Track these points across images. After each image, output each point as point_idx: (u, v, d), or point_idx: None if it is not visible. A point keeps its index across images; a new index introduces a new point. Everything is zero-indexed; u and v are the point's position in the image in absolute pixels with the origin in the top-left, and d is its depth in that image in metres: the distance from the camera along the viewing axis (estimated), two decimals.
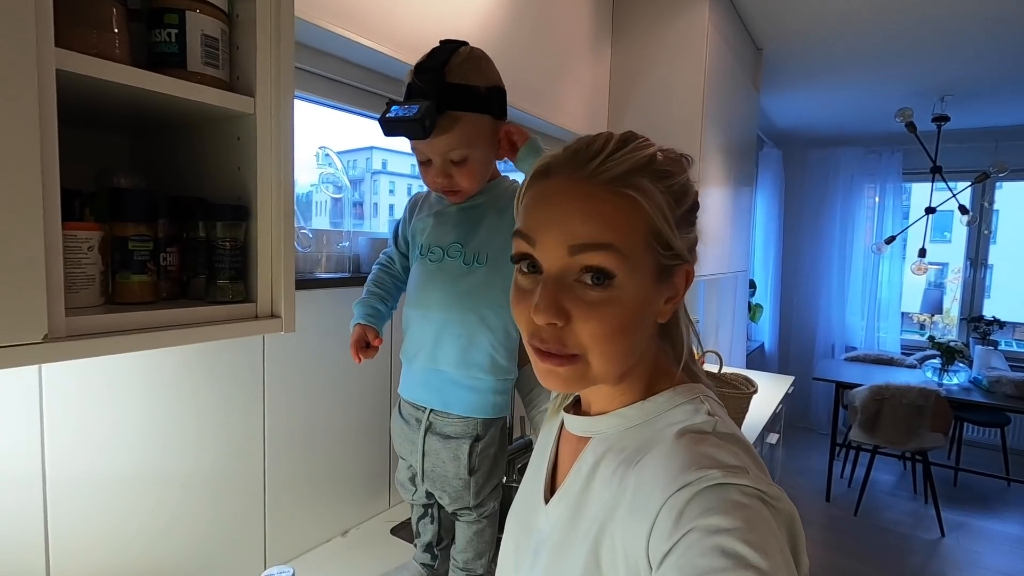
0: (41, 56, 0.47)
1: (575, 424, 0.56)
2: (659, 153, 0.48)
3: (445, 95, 0.82)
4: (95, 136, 0.76)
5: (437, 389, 0.94)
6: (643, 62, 2.07)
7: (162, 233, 0.65)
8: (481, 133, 0.88)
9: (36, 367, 0.73)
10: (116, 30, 0.55)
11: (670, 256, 0.48)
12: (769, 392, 2.33)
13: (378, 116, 0.81)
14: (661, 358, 0.54)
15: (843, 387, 3.44)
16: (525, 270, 0.50)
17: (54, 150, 0.49)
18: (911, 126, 3.25)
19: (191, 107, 0.63)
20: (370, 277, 1.04)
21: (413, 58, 0.96)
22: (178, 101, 0.60)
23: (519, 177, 0.99)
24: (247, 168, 0.67)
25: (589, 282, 0.46)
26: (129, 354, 0.82)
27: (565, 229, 0.46)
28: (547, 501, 0.56)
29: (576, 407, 0.59)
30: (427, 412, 0.95)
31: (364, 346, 0.98)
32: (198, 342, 0.61)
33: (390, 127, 0.81)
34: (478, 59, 0.88)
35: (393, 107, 0.81)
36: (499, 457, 1.00)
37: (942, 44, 2.59)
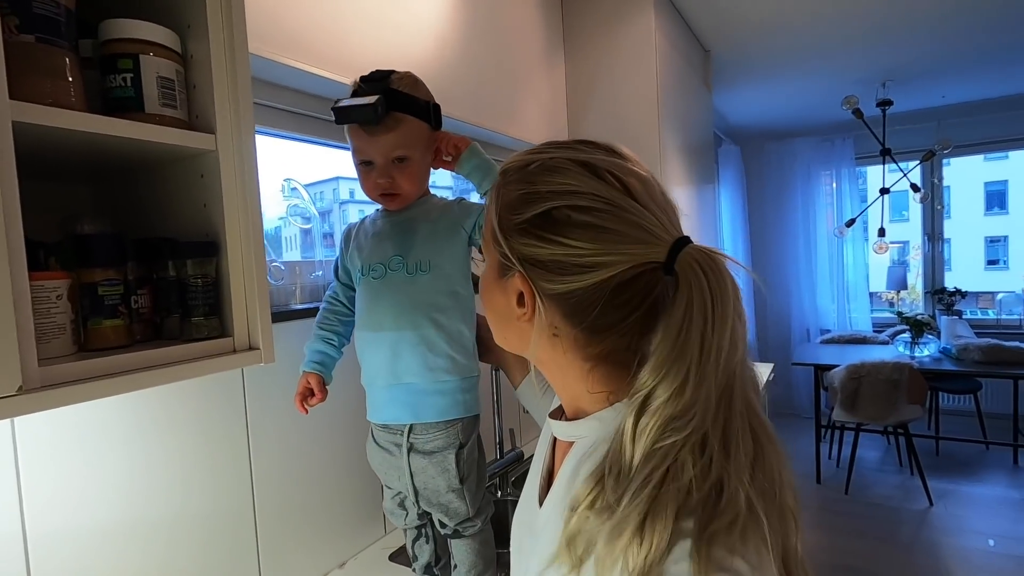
0: None
1: (557, 429, 0.57)
2: (536, 162, 0.50)
3: (391, 96, 0.88)
4: (57, 186, 0.76)
5: (406, 404, 0.95)
6: (596, 70, 2.13)
7: (132, 275, 0.65)
8: (420, 138, 0.94)
9: (8, 421, 0.72)
10: (70, 78, 0.56)
11: (503, 255, 0.50)
12: None
13: (335, 119, 0.88)
14: (604, 369, 0.52)
15: (821, 369, 3.53)
16: None
17: (15, 202, 0.49)
18: (858, 112, 3.39)
19: (152, 149, 0.63)
20: (316, 322, 1.05)
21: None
22: (138, 144, 0.61)
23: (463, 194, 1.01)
24: (213, 204, 0.67)
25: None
26: (106, 401, 0.81)
27: None
28: (541, 503, 0.58)
29: (563, 413, 0.60)
30: (406, 433, 0.95)
31: (309, 395, 1.00)
32: (177, 380, 0.60)
33: (343, 114, 0.87)
34: (415, 79, 0.96)
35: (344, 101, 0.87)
36: (481, 460, 1.01)
37: (878, 32, 2.71)
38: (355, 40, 1.22)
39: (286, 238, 1.47)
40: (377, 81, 0.90)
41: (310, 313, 1.17)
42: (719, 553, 0.38)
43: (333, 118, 0.87)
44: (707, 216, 2.95)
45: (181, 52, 0.67)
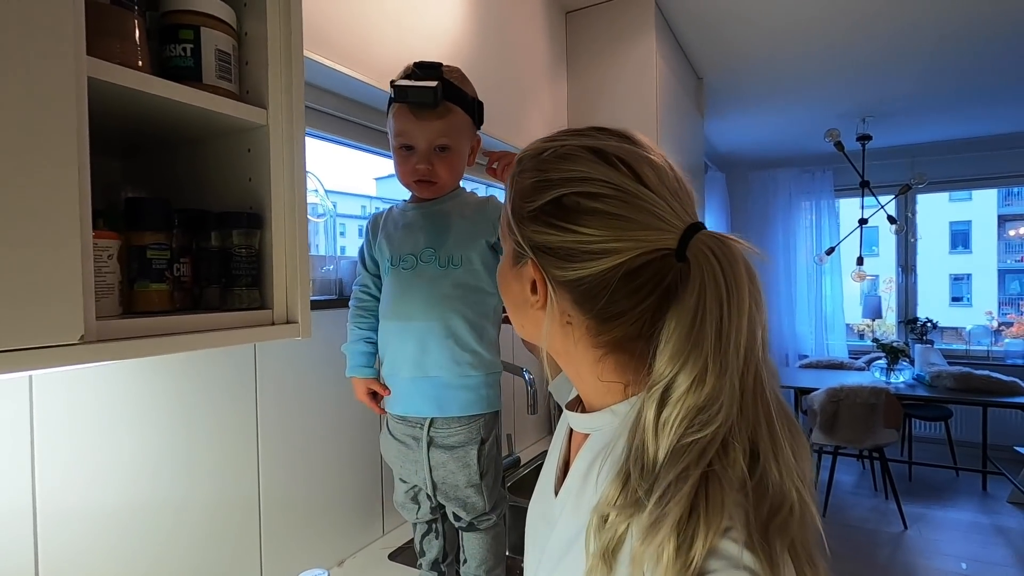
0: (77, 63, 0.48)
1: (574, 420, 0.57)
2: (549, 149, 0.50)
3: (445, 85, 0.91)
4: (103, 159, 0.76)
5: (431, 397, 0.95)
6: (598, 87, 2.19)
7: (175, 244, 0.65)
8: (464, 130, 0.97)
9: (27, 393, 0.70)
10: (138, 42, 0.57)
11: (518, 243, 0.51)
12: None
13: (393, 95, 0.90)
14: (620, 363, 0.51)
15: (801, 393, 3.60)
16: None
17: (86, 157, 0.49)
18: (839, 145, 3.53)
19: (204, 118, 0.64)
20: (350, 319, 1.04)
21: (386, 84, 1.01)
22: (195, 111, 0.62)
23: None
24: (260, 178, 0.68)
25: None
26: (120, 380, 0.80)
27: None
28: (557, 493, 0.58)
29: (580, 404, 0.60)
30: (426, 426, 0.95)
31: (374, 396, 1.02)
32: (217, 346, 0.61)
33: (402, 92, 0.89)
34: (463, 75, 0.98)
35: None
36: (499, 455, 1.02)
37: (861, 69, 2.85)
38: (376, 40, 1.25)
39: None
40: (433, 68, 0.92)
41: (321, 305, 1.17)
42: (776, 548, 0.37)
43: (391, 94, 0.90)
44: None
45: (236, 29, 0.68)
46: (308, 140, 1.37)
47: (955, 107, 3.48)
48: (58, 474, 0.74)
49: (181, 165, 0.76)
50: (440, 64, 0.93)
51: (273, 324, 0.68)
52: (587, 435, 0.56)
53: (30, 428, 0.71)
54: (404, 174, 0.97)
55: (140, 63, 0.57)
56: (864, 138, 3.73)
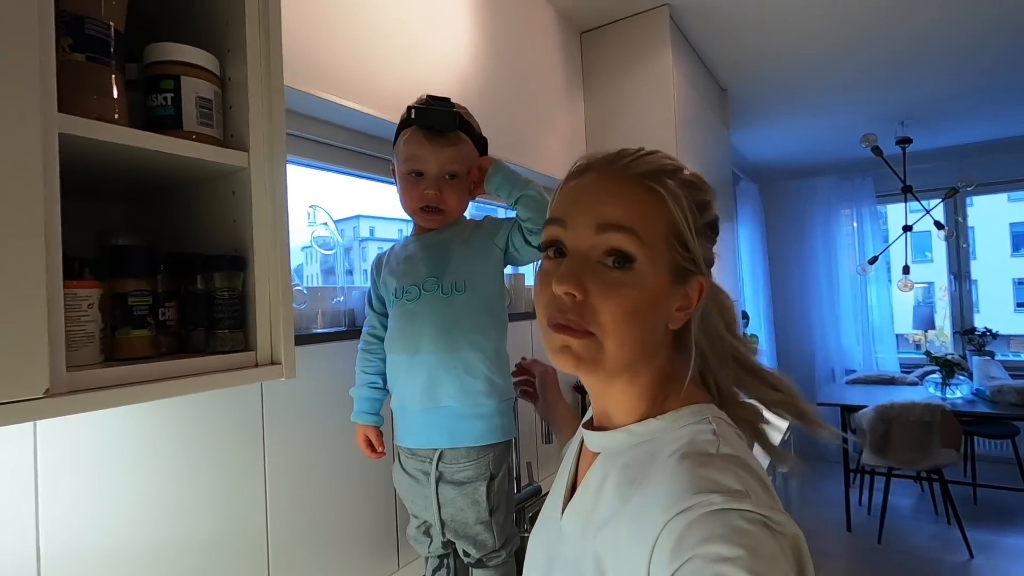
0: (45, 120, 0.49)
1: (590, 439, 0.57)
2: (686, 169, 0.55)
3: (458, 116, 0.95)
4: (96, 205, 0.78)
5: (443, 428, 0.93)
6: (615, 107, 2.17)
7: (161, 288, 0.66)
8: (471, 162, 0.98)
9: (31, 434, 0.72)
10: (115, 95, 0.58)
11: (687, 259, 0.51)
12: (774, 421, 2.30)
13: (412, 117, 0.95)
14: (673, 370, 0.55)
15: (848, 410, 3.41)
16: (551, 255, 0.54)
17: (56, 209, 0.50)
18: (877, 150, 3.38)
19: (187, 165, 0.65)
20: (358, 363, 1.05)
21: (396, 117, 1.03)
22: (175, 159, 0.63)
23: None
24: (243, 220, 0.68)
25: (611, 264, 0.49)
26: (125, 418, 0.81)
27: (595, 211, 0.50)
28: (564, 512, 0.57)
29: (592, 425, 0.60)
30: (435, 461, 0.93)
31: (371, 446, 1.03)
32: (198, 391, 0.60)
33: (422, 115, 0.93)
34: (469, 112, 1.02)
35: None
36: (511, 489, 0.99)
37: (896, 70, 2.72)
38: (384, 74, 1.27)
39: (308, 276, 1.49)
40: (445, 100, 0.97)
41: (331, 337, 1.17)
42: None
43: (409, 115, 0.94)
44: (726, 254, 2.93)
45: (220, 75, 0.69)
46: (319, 173, 1.41)
47: (1003, 103, 3.28)
48: (61, 514, 0.75)
49: (177, 209, 0.78)
50: (449, 98, 0.98)
51: (257, 366, 0.67)
52: (596, 454, 0.56)
53: (34, 468, 0.72)
54: (411, 200, 0.98)
55: (117, 115, 0.58)
56: (904, 141, 3.56)
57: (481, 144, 1.01)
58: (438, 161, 0.94)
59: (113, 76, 0.58)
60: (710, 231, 0.55)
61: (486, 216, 1.05)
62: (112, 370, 0.55)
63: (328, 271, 1.39)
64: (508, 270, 1.36)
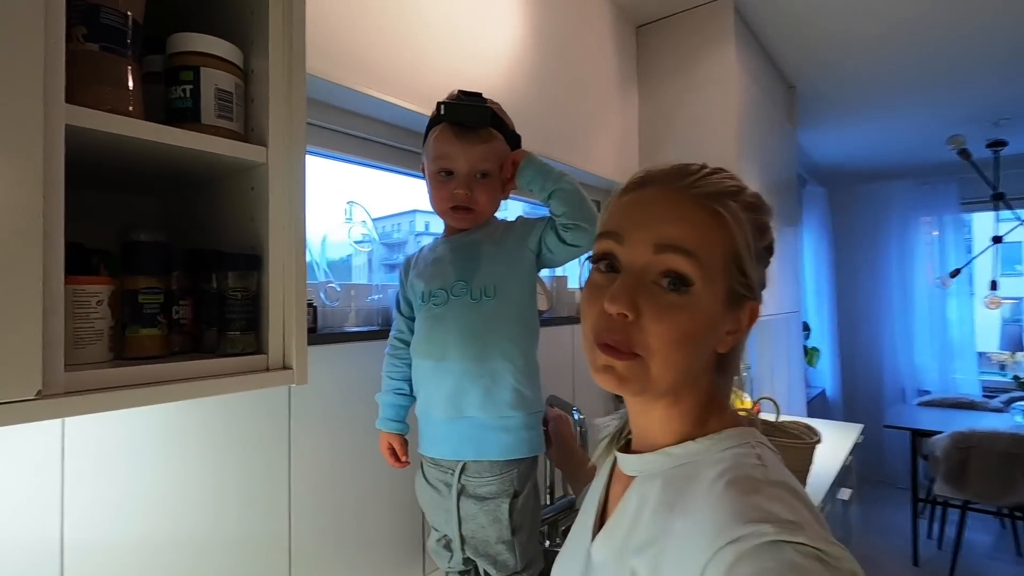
0: (49, 111, 0.47)
1: (626, 462, 0.55)
2: (748, 190, 0.52)
3: (491, 112, 0.91)
4: (125, 198, 0.78)
5: (468, 438, 0.89)
6: (672, 105, 2.06)
7: (176, 285, 0.64)
8: (502, 160, 0.93)
9: (60, 426, 0.72)
10: (131, 87, 0.56)
11: (743, 284, 0.49)
12: (836, 442, 2.14)
13: (443, 113, 0.90)
14: (716, 392, 0.54)
15: (919, 435, 3.14)
16: (603, 269, 0.51)
17: (59, 203, 0.48)
18: (965, 153, 3.09)
19: (205, 159, 0.63)
20: (384, 367, 1.02)
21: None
22: (191, 153, 0.60)
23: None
24: (260, 217, 0.66)
25: (666, 286, 0.47)
26: (150, 411, 0.81)
27: (654, 229, 0.48)
28: (594, 538, 0.56)
29: (628, 447, 0.58)
30: (457, 473, 0.89)
31: (394, 455, 1.00)
32: (205, 396, 0.58)
33: (453, 110, 0.89)
34: (502, 108, 0.97)
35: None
36: (537, 508, 0.94)
37: (990, 64, 2.46)
38: (429, 69, 1.23)
39: (355, 266, 1.48)
40: (477, 95, 0.92)
41: (363, 336, 1.15)
42: None
43: (439, 112, 0.90)
44: (789, 260, 2.75)
45: (243, 68, 0.67)
46: (360, 169, 1.39)
47: None
48: (87, 506, 0.75)
49: (202, 205, 0.77)
50: (481, 93, 0.93)
51: (268, 370, 0.65)
52: (631, 478, 0.54)
53: (61, 460, 0.73)
54: (440, 200, 0.94)
55: (132, 108, 0.56)
56: (997, 144, 3.24)
57: (514, 141, 0.97)
58: (468, 159, 0.89)
59: (129, 67, 0.57)
60: (766, 254, 0.53)
61: (519, 217, 0.99)
62: (114, 371, 0.53)
63: (375, 266, 1.38)
64: (545, 272, 1.31)
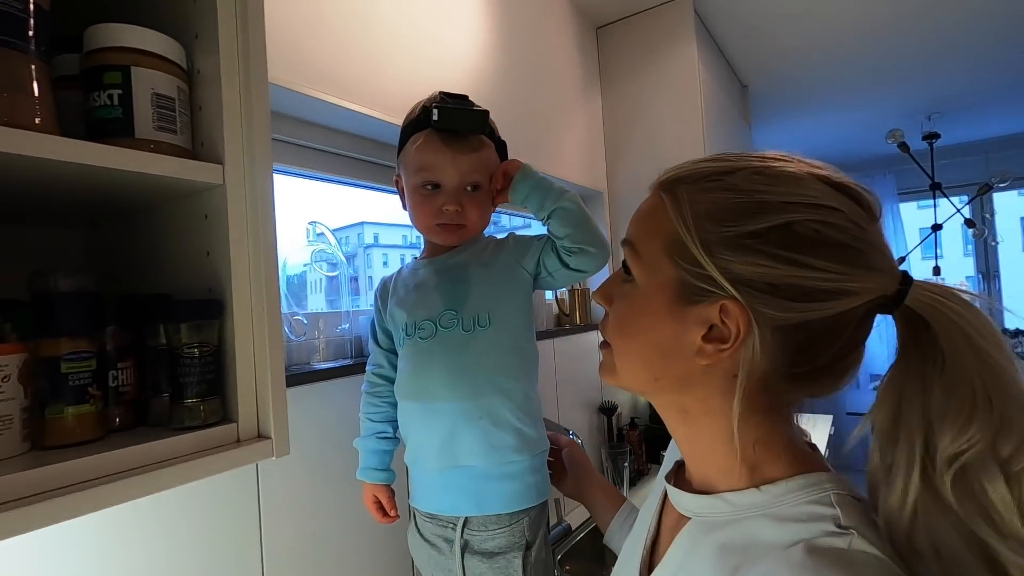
0: None
1: (676, 499, 0.50)
2: (747, 168, 0.43)
3: (487, 116, 0.81)
4: (39, 234, 0.63)
5: (467, 491, 0.78)
6: (636, 105, 2.01)
7: (111, 345, 0.50)
8: (493, 170, 0.83)
9: None
10: (36, 92, 0.43)
11: (699, 275, 0.42)
12: (815, 437, 2.14)
13: (435, 119, 0.78)
14: (762, 427, 0.45)
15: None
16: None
17: None
18: (904, 146, 3.22)
19: (144, 182, 0.50)
20: (362, 408, 0.89)
21: (401, 119, 0.87)
22: (125, 176, 0.47)
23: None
24: (218, 252, 0.53)
25: (624, 278, 0.49)
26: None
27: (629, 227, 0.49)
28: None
29: (680, 476, 0.53)
30: (459, 527, 0.78)
31: (381, 510, 0.87)
32: (159, 491, 0.45)
33: (447, 116, 0.78)
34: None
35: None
36: (549, 558, 0.83)
37: (924, 64, 2.59)
38: (389, 73, 1.12)
39: (311, 282, 1.34)
40: (463, 98, 0.81)
41: (335, 373, 1.01)
42: None
43: (425, 117, 0.79)
44: None
45: (186, 67, 0.54)
46: (320, 186, 1.26)
47: None
48: None
49: (142, 239, 0.62)
50: (467, 96, 0.82)
51: (239, 443, 0.52)
52: (684, 517, 0.49)
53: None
54: (426, 216, 0.82)
55: (39, 120, 0.42)
56: (931, 136, 3.40)
57: (501, 148, 0.87)
58: (458, 170, 0.79)
59: (33, 67, 0.43)
60: (765, 239, 0.40)
61: (511, 233, 0.89)
62: (30, 474, 0.39)
63: (333, 295, 1.24)
64: None
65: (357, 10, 1.05)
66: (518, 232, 0.92)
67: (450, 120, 0.77)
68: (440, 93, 0.81)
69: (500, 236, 0.90)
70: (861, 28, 2.20)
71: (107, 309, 0.50)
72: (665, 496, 0.54)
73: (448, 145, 0.78)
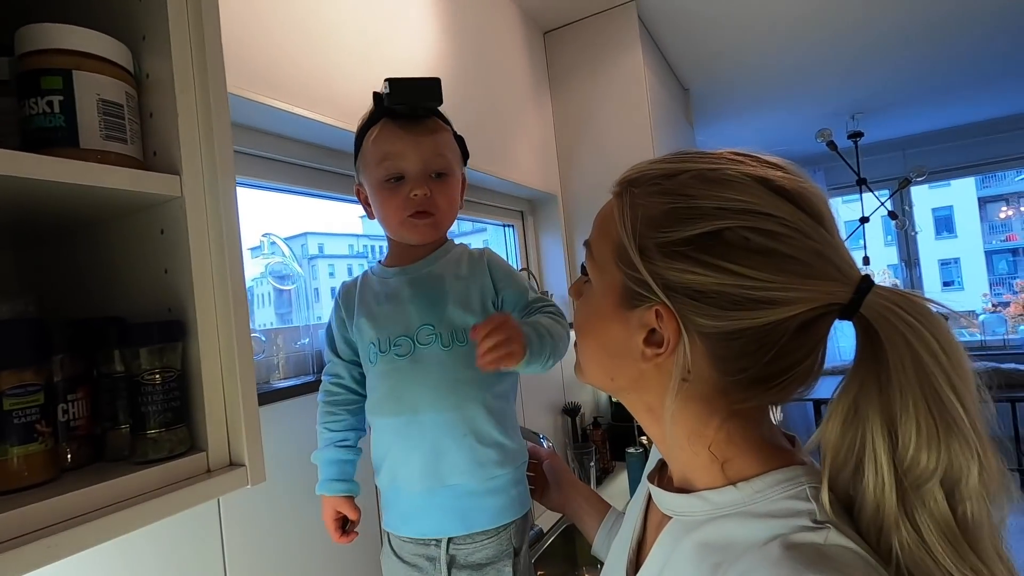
0: None
1: (658, 498, 0.50)
2: (690, 172, 0.43)
3: (439, 84, 0.78)
4: None
5: (452, 511, 0.76)
6: (585, 109, 2.04)
7: (60, 375, 0.46)
8: (456, 159, 0.82)
9: None
10: None
11: (635, 280, 0.42)
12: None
13: (388, 96, 0.76)
14: (730, 426, 0.45)
15: (820, 404, 3.43)
16: None
17: None
18: (832, 144, 3.42)
19: (93, 196, 0.46)
20: (320, 419, 0.84)
21: (354, 124, 0.84)
22: (70, 189, 0.43)
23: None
24: (178, 269, 0.49)
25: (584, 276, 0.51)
26: None
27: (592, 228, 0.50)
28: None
29: (663, 475, 0.54)
30: (444, 544, 0.76)
31: (343, 524, 0.81)
32: (128, 532, 0.41)
33: (399, 88, 0.74)
34: None
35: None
36: (529, 562, 0.82)
37: (847, 68, 2.78)
38: (338, 78, 1.08)
39: (259, 295, 1.28)
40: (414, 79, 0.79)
41: (297, 391, 0.97)
42: None
43: (386, 92, 0.76)
44: None
45: (134, 71, 0.50)
46: (270, 195, 1.20)
47: (941, 97, 3.43)
48: None
49: (90, 257, 0.57)
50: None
51: (209, 472, 0.48)
52: (666, 516, 0.49)
53: None
54: (395, 209, 0.77)
55: None
56: (856, 135, 3.63)
57: (461, 143, 0.84)
58: (420, 154, 0.76)
59: None
60: (695, 246, 0.40)
61: (486, 249, 0.86)
62: None
63: (284, 311, 1.18)
64: None
65: (301, 15, 1.01)
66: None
67: (402, 92, 0.74)
68: (386, 81, 0.78)
69: (474, 249, 0.87)
70: (791, 34, 2.34)
71: (53, 336, 0.46)
72: (650, 496, 0.54)
73: (407, 130, 0.75)
